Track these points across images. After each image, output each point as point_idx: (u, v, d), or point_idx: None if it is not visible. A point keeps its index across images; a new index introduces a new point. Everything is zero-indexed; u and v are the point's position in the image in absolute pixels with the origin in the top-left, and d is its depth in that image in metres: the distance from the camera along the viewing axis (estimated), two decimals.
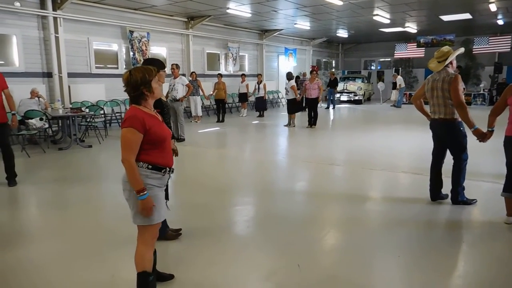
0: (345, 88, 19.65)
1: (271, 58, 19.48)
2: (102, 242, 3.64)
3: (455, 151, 4.40)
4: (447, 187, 4.58)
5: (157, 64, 3.11)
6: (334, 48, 25.40)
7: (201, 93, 12.79)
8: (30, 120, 7.92)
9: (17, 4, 9.28)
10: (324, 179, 6.02)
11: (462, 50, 4.57)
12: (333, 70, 22.59)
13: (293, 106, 11.65)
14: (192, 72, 12.79)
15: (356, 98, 19.38)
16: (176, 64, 9.09)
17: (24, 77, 9.56)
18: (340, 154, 8.00)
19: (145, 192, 2.32)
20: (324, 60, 24.84)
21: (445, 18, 14.86)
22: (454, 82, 4.12)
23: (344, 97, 19.62)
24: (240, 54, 16.77)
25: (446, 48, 4.29)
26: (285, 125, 11.80)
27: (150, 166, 2.39)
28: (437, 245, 3.53)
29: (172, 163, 2.55)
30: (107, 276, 2.98)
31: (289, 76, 11.80)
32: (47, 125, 8.43)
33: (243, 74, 14.84)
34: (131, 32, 11.98)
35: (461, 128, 4.28)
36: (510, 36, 18.01)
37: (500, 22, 16.07)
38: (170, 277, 2.91)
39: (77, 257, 3.33)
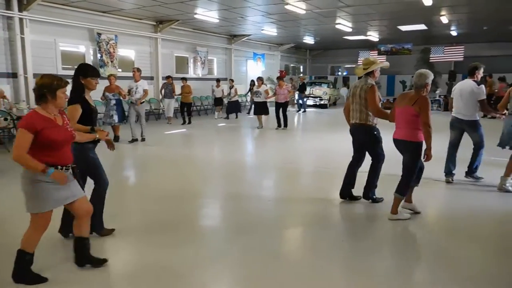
0: (311, 92, 20.35)
1: (240, 62, 19.94)
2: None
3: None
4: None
5: (90, 70, 3.60)
6: (302, 54, 26.16)
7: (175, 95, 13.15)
8: None
9: None
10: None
11: (387, 64, 4.85)
12: (301, 75, 23.29)
13: (263, 109, 12.34)
14: (168, 76, 12.96)
15: (322, 102, 20.11)
16: (137, 68, 9.46)
17: None
18: (298, 156, 8.53)
19: None
20: (292, 65, 25.56)
21: (403, 28, 15.78)
22: (370, 91, 4.52)
23: (310, 101, 20.30)
24: (208, 58, 17.13)
25: (370, 59, 4.75)
26: (257, 127, 12.31)
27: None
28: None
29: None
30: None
31: (261, 80, 12.60)
32: (12, 125, 8.48)
33: (218, 79, 15.34)
34: (99, 34, 12.11)
35: (375, 132, 4.68)
36: (463, 46, 19.20)
37: (454, 33, 17.22)
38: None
39: None
